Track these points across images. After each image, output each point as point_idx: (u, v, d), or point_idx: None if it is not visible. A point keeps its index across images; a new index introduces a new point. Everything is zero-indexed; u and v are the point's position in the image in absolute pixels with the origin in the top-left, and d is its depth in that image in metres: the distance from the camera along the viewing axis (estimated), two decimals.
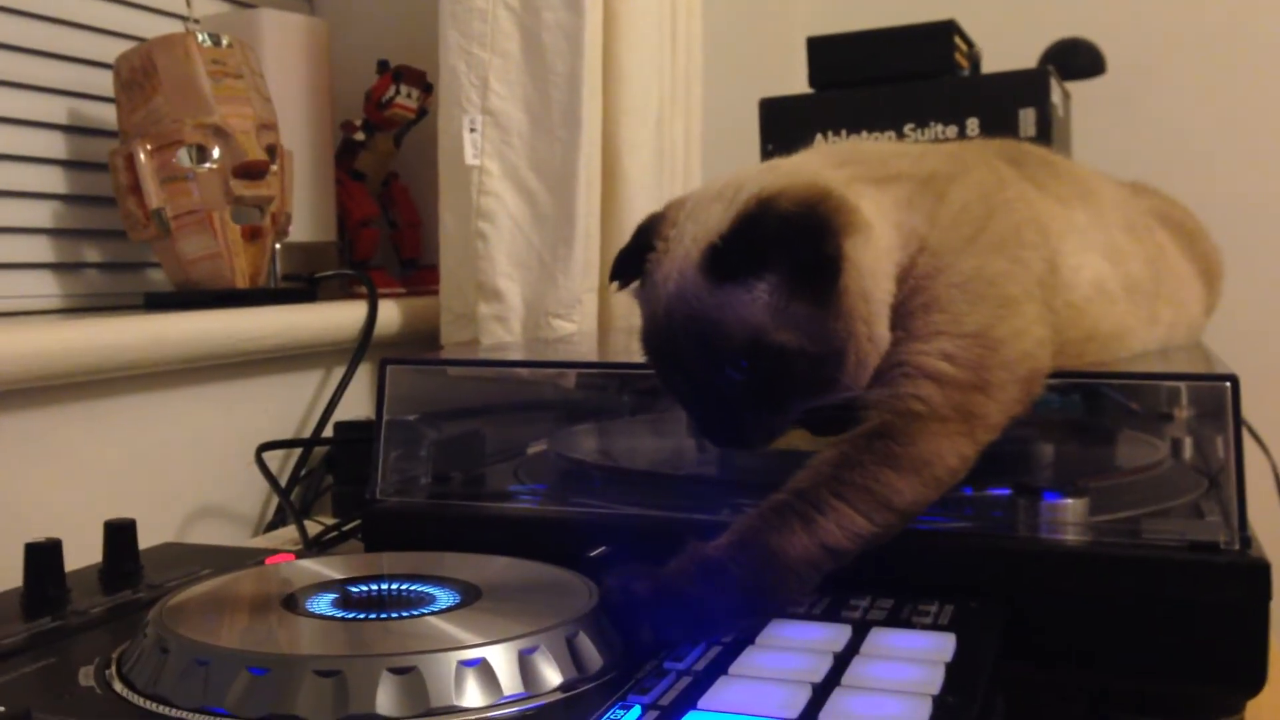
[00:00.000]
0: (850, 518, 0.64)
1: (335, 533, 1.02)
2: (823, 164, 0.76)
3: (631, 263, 0.76)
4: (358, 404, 1.35)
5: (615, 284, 0.78)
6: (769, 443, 0.73)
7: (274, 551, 0.80)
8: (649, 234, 0.75)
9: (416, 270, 1.58)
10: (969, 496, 0.74)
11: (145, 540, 0.78)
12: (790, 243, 0.67)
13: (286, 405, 1.30)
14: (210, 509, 1.19)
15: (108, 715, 0.51)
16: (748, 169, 0.77)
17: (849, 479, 0.65)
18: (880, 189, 0.73)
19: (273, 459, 1.18)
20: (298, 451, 1.27)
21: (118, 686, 0.55)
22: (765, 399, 0.69)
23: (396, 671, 0.51)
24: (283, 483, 1.21)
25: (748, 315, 0.68)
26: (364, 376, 1.36)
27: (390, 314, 1.38)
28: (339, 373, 1.33)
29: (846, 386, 0.70)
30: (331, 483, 1.26)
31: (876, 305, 0.70)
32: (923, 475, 0.66)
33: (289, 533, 1.13)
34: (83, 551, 0.76)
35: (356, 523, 0.99)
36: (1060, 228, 0.80)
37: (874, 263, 0.70)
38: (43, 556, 0.70)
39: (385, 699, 0.50)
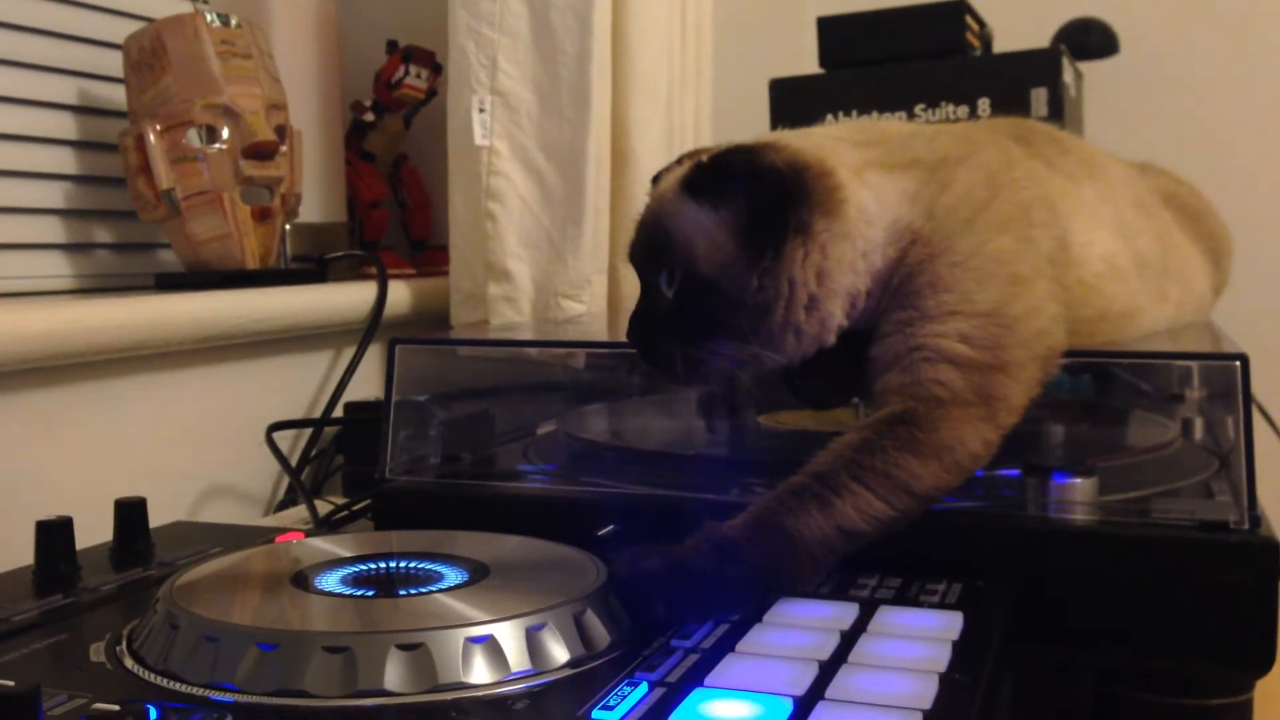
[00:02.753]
0: (868, 501, 0.64)
1: (345, 512, 1.02)
2: (848, 141, 0.76)
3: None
4: (368, 384, 1.35)
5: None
6: (695, 379, 0.74)
7: (284, 530, 0.80)
8: (686, 159, 0.79)
9: (426, 251, 1.58)
10: (979, 477, 0.73)
11: (156, 519, 0.79)
12: (757, 189, 0.69)
13: (297, 385, 1.31)
14: (221, 489, 1.20)
15: (118, 690, 0.51)
16: (783, 133, 0.78)
17: (869, 463, 0.65)
18: (892, 177, 0.74)
19: (283, 439, 1.19)
20: (308, 432, 1.27)
21: (128, 662, 0.55)
22: (685, 325, 0.71)
23: (405, 648, 0.51)
24: (293, 463, 1.22)
25: (692, 233, 0.70)
26: (374, 357, 1.36)
27: (400, 295, 1.38)
28: (349, 353, 1.33)
29: (768, 345, 0.70)
30: (341, 463, 1.27)
31: (834, 285, 0.70)
32: (944, 461, 0.66)
33: (299, 512, 1.13)
34: (94, 530, 0.76)
35: (366, 502, 1.00)
36: (1070, 205, 0.80)
37: (841, 250, 0.70)
38: (54, 534, 0.71)
39: (393, 675, 0.50)
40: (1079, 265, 0.78)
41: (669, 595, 0.60)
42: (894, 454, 0.65)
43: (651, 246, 0.73)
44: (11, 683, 0.42)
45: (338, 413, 1.29)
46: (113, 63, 1.23)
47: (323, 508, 1.05)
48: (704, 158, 0.72)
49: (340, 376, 1.31)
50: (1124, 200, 0.88)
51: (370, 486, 0.87)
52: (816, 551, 0.63)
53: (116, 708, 0.39)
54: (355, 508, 1.02)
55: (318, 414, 1.31)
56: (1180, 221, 0.98)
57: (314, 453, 1.26)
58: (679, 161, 0.79)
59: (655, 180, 0.80)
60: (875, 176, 0.73)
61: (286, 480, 1.24)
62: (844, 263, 0.71)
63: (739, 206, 0.69)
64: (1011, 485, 0.73)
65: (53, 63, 1.21)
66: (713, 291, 0.69)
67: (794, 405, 0.98)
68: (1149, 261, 0.85)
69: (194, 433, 1.16)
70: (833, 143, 0.75)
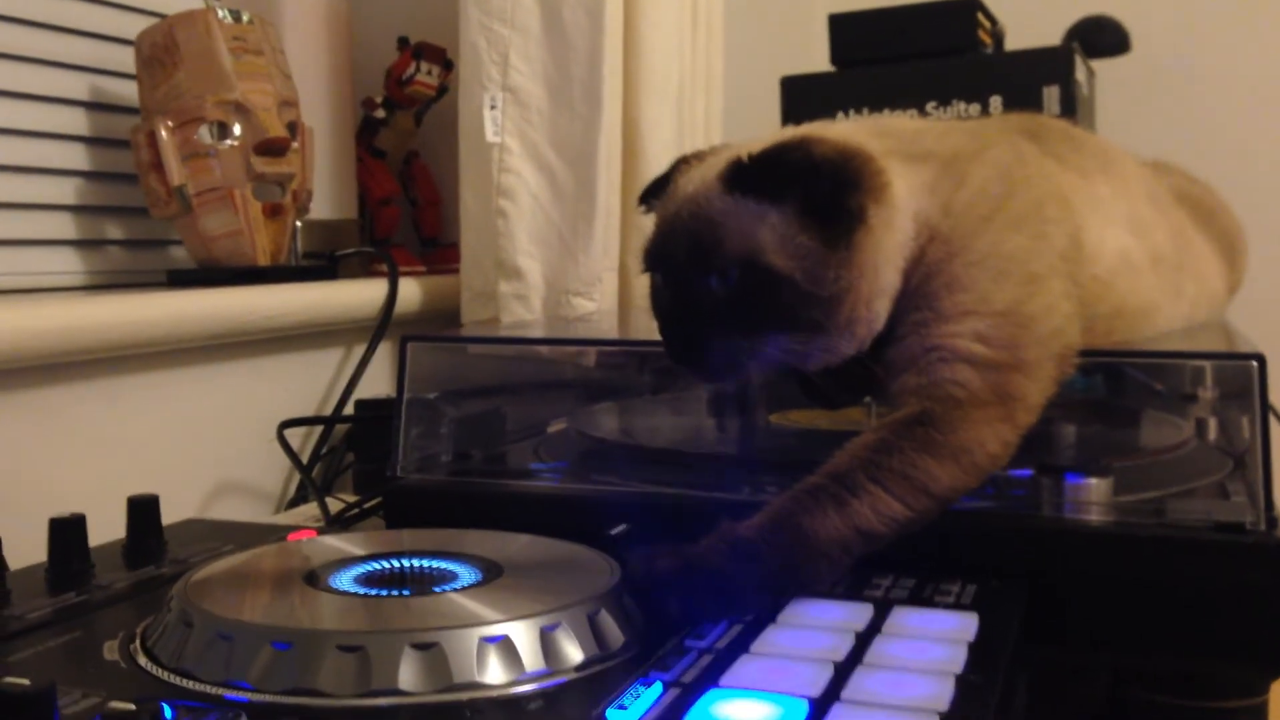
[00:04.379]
0: (885, 502, 0.64)
1: (356, 510, 1.02)
2: (864, 132, 0.75)
3: (662, 187, 0.77)
4: (378, 382, 1.35)
5: (643, 208, 0.79)
6: (730, 376, 0.73)
7: (296, 528, 0.80)
8: (681, 164, 0.77)
9: (437, 249, 1.58)
10: (992, 477, 0.73)
11: (167, 516, 0.79)
12: (817, 180, 0.68)
13: (307, 383, 1.31)
14: (232, 486, 1.20)
15: (132, 689, 0.51)
16: (791, 129, 0.77)
17: (886, 464, 0.65)
18: (910, 168, 0.73)
19: (294, 437, 1.19)
20: (319, 430, 1.27)
21: (142, 660, 0.55)
22: (740, 321, 0.69)
23: (419, 647, 0.51)
24: (304, 460, 1.22)
25: (751, 229, 0.68)
26: (385, 355, 1.36)
27: (411, 292, 1.38)
28: (359, 351, 1.33)
29: (826, 343, 0.69)
30: (352, 460, 1.27)
31: (882, 282, 0.70)
32: (962, 463, 0.66)
33: (310, 510, 1.13)
34: (106, 527, 0.76)
35: (378, 500, 1.00)
36: (1083, 201, 0.80)
37: (890, 244, 0.70)
38: (67, 531, 0.71)
39: (408, 674, 0.50)
40: (1092, 262, 0.77)
41: (684, 595, 0.60)
42: (912, 455, 0.65)
43: (697, 247, 0.70)
44: (27, 681, 0.41)
45: (348, 410, 1.29)
46: (125, 58, 1.23)
47: (333, 505, 1.05)
48: (744, 156, 0.70)
49: (351, 374, 1.31)
50: (1138, 196, 0.87)
51: (381, 484, 0.86)
52: (833, 552, 0.63)
53: (132, 707, 0.39)
54: (366, 505, 1.02)
55: (328, 411, 1.31)
56: (1194, 219, 0.97)
57: (325, 450, 1.26)
58: (674, 167, 0.78)
59: (676, 164, 0.78)
60: (897, 165, 0.72)
61: (297, 477, 1.24)
62: (890, 255, 0.70)
63: (796, 199, 0.68)
64: (1025, 485, 0.73)
65: (65, 58, 1.21)
66: (786, 283, 0.67)
67: (804, 404, 0.98)
68: (1164, 258, 0.85)
69: (205, 430, 1.16)
70: (851, 135, 0.74)
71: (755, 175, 0.69)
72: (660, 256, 0.73)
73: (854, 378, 0.76)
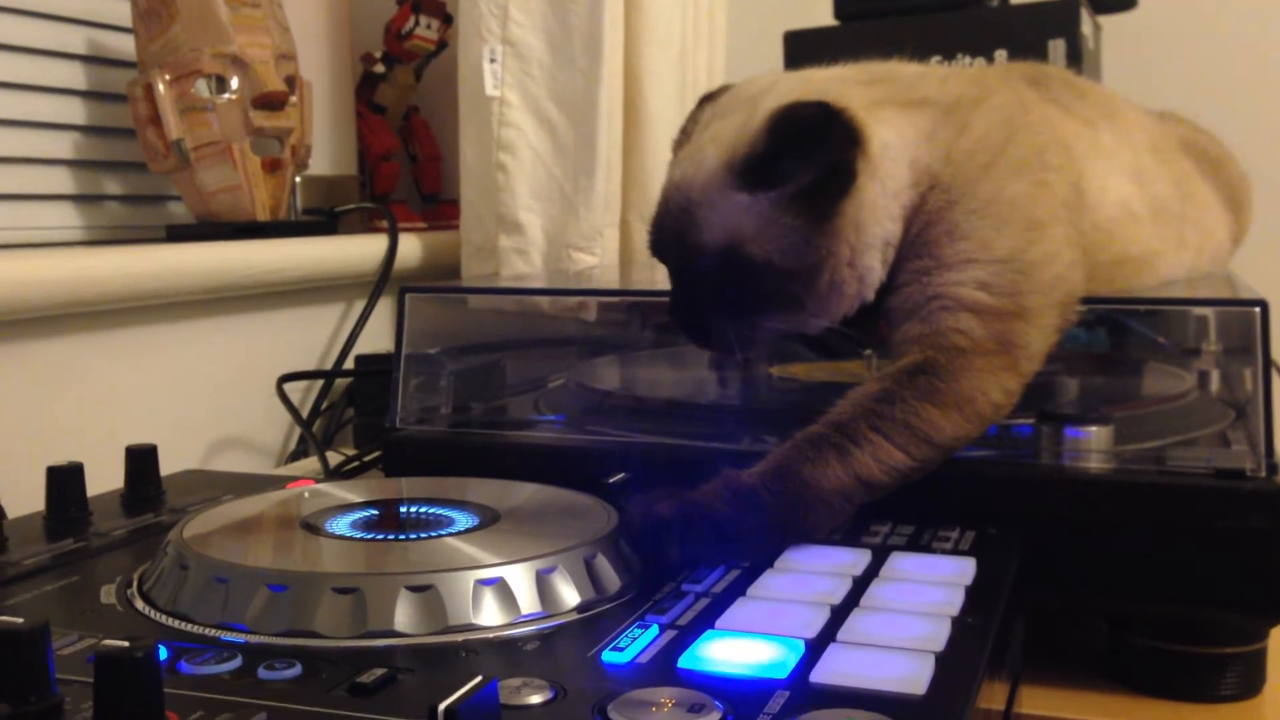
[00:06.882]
0: (887, 451, 0.64)
1: (356, 463, 1.02)
2: (853, 80, 0.75)
3: (686, 135, 0.79)
4: (379, 338, 1.35)
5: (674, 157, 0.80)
6: (736, 351, 0.74)
7: (295, 479, 0.80)
8: (705, 101, 0.79)
9: (437, 205, 1.57)
10: (993, 427, 0.73)
11: (167, 469, 0.78)
12: (812, 152, 0.67)
13: (307, 338, 1.30)
14: (232, 440, 1.20)
15: (129, 631, 0.51)
16: (780, 77, 0.77)
17: (888, 413, 0.64)
18: (905, 115, 0.73)
19: (294, 392, 1.19)
20: (319, 385, 1.27)
21: (139, 604, 0.55)
22: (732, 306, 0.71)
23: (415, 589, 0.51)
24: (304, 415, 1.22)
25: (732, 221, 0.69)
26: (385, 311, 1.36)
27: (411, 248, 1.38)
28: (360, 306, 1.33)
29: (815, 311, 0.70)
30: (352, 416, 1.27)
31: (868, 237, 0.70)
32: (965, 411, 0.65)
33: (310, 464, 1.13)
34: (105, 480, 0.76)
35: (377, 454, 1.00)
36: (1085, 149, 0.79)
37: (875, 197, 0.70)
38: (64, 479, 0.70)
39: (403, 616, 0.50)
40: (1094, 210, 0.77)
41: (683, 539, 0.60)
42: (914, 404, 0.65)
43: (682, 240, 0.71)
44: (20, 620, 0.41)
45: (348, 365, 1.28)
46: (121, 11, 1.22)
47: (333, 460, 1.05)
48: (748, 151, 0.69)
49: (351, 329, 1.31)
50: (1141, 146, 0.87)
51: (381, 436, 0.86)
52: (834, 501, 0.63)
53: (125, 644, 0.39)
54: (366, 458, 1.02)
55: (328, 367, 1.31)
56: (1200, 169, 0.97)
57: (325, 405, 1.26)
58: (699, 105, 0.78)
59: (676, 146, 0.78)
60: (889, 113, 0.72)
61: (297, 432, 1.24)
62: (877, 209, 0.70)
63: (802, 178, 0.68)
64: (1026, 435, 0.73)
65: (62, 11, 1.20)
66: (763, 268, 0.68)
67: (805, 357, 0.97)
68: (1166, 207, 0.84)
69: (205, 384, 1.16)
70: (837, 84, 0.74)
71: (757, 166, 0.68)
72: (657, 245, 0.75)
73: (854, 329, 0.76)
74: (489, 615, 0.51)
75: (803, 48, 1.51)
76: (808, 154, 0.67)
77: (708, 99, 0.79)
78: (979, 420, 0.66)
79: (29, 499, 0.72)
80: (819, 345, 0.81)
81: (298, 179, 1.31)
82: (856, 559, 0.60)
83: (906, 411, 0.65)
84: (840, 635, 0.50)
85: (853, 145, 0.68)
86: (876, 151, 0.69)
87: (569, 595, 0.54)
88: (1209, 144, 1.04)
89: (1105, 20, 1.57)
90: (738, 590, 0.56)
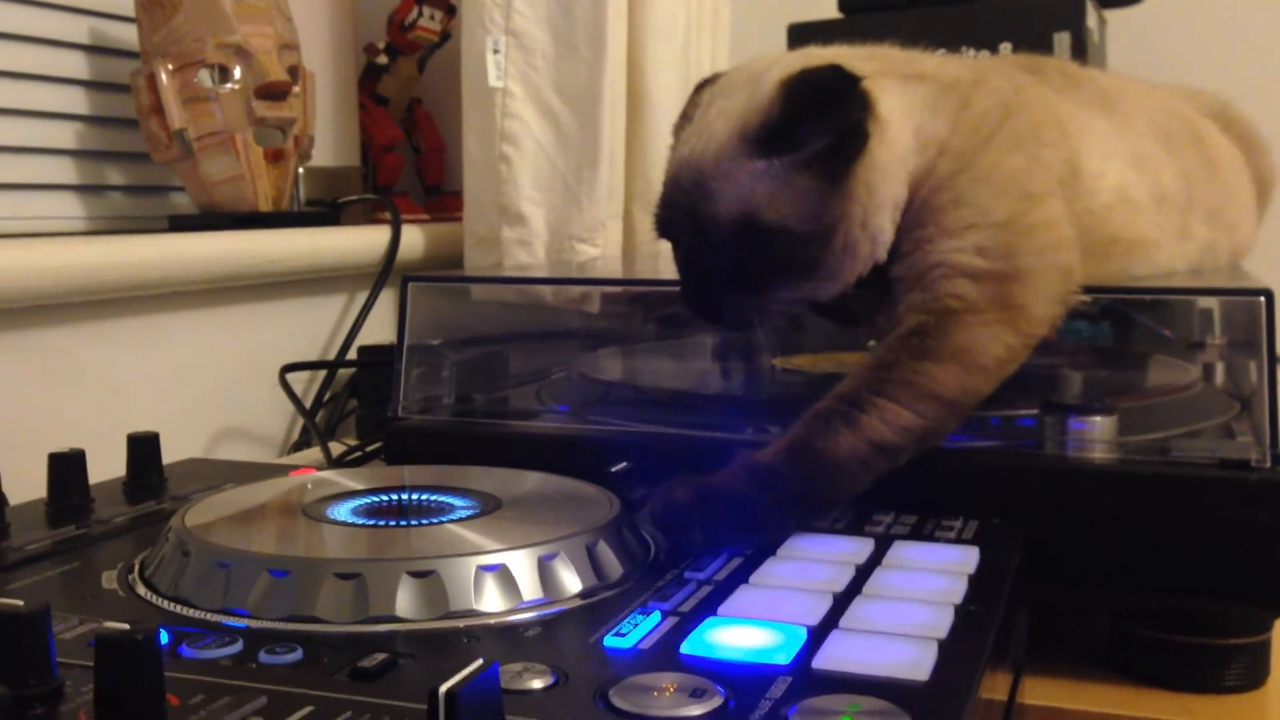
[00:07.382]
0: (894, 412, 0.64)
1: (358, 453, 1.02)
2: (854, 55, 0.75)
3: (686, 119, 0.78)
4: (382, 330, 1.35)
5: (673, 141, 0.79)
6: (748, 325, 0.73)
7: (297, 468, 0.80)
8: (703, 86, 0.78)
9: (440, 196, 1.57)
10: (995, 425, 0.73)
11: (169, 459, 0.78)
12: (827, 115, 0.68)
13: (310, 328, 1.30)
14: (235, 430, 1.19)
15: (130, 616, 0.51)
16: (780, 55, 0.77)
17: (888, 375, 0.65)
18: (906, 86, 0.74)
19: (296, 383, 1.19)
20: (321, 376, 1.27)
21: (140, 589, 0.55)
22: (746, 279, 0.70)
23: (416, 575, 0.51)
24: (306, 406, 1.22)
25: (746, 190, 0.69)
26: (387, 302, 1.35)
27: (414, 239, 1.38)
28: (363, 298, 1.33)
29: (828, 274, 0.70)
30: (355, 406, 1.27)
31: (879, 198, 0.70)
32: (963, 362, 0.66)
33: (313, 454, 1.13)
34: (107, 469, 0.76)
35: (379, 444, 1.00)
36: (1079, 129, 0.80)
37: (885, 159, 0.70)
38: (66, 466, 0.70)
39: (405, 602, 0.50)
40: (1088, 196, 0.77)
41: (706, 521, 0.60)
42: (911, 363, 0.65)
43: (695, 215, 0.71)
44: (20, 603, 0.41)
45: (351, 356, 1.28)
46: (124, 1, 1.22)
47: (336, 450, 1.05)
48: (763, 118, 0.69)
49: (354, 320, 1.31)
50: (1145, 133, 0.86)
51: (383, 426, 0.86)
52: (851, 468, 0.63)
53: (126, 627, 0.39)
54: (369, 448, 1.02)
55: (331, 358, 1.30)
56: (1240, 154, 0.97)
57: (327, 396, 1.26)
58: (697, 90, 0.78)
59: (677, 130, 0.78)
60: (891, 84, 0.73)
61: (300, 422, 1.24)
62: (887, 172, 0.70)
63: (817, 141, 0.68)
64: (1029, 425, 0.73)
65: (64, 1, 1.20)
66: (779, 235, 0.68)
67: (809, 348, 0.97)
68: (1169, 196, 0.84)
69: (208, 374, 1.16)
70: (839, 58, 0.74)
71: (773, 132, 0.68)
72: (665, 224, 0.74)
73: (868, 290, 0.76)
74: (491, 601, 0.51)
75: (807, 40, 1.49)
76: (822, 116, 0.68)
77: (705, 84, 0.79)
78: (981, 372, 0.66)
79: (31, 486, 0.72)
80: (831, 311, 0.81)
81: (300, 170, 1.31)
82: (859, 547, 0.60)
83: (905, 370, 0.65)
84: (843, 622, 0.50)
85: (865, 107, 0.68)
86: (884, 115, 0.70)
87: (571, 582, 0.54)
88: (1246, 129, 1.04)
89: (1110, 14, 1.56)
90: (740, 577, 0.56)
